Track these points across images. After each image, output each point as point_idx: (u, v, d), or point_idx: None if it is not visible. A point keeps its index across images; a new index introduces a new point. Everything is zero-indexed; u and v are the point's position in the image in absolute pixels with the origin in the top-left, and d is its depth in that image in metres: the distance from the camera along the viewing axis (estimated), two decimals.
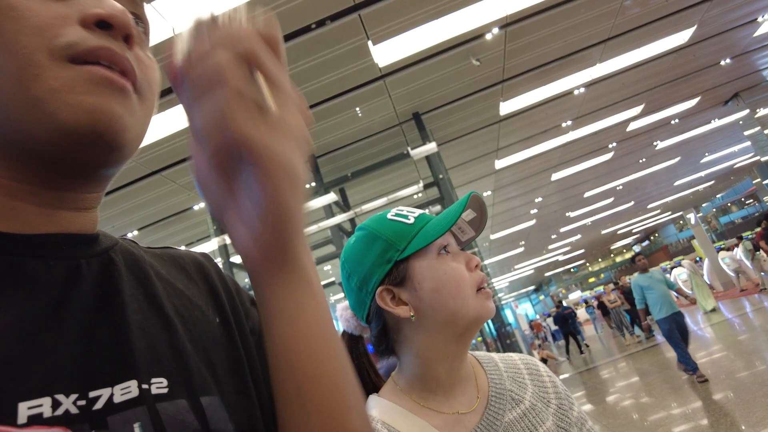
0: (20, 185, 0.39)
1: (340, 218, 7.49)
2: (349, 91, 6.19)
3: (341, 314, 0.89)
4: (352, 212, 7.60)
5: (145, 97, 0.44)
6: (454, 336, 0.78)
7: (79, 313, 0.38)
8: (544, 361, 12.43)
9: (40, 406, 0.31)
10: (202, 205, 7.90)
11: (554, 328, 19.63)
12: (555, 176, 12.40)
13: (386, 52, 5.67)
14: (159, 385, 0.39)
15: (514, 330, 10.85)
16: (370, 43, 5.41)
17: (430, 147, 6.95)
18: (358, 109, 6.68)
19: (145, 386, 0.38)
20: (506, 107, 7.94)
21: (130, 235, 8.19)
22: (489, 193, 12.09)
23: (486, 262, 19.53)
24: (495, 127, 8.59)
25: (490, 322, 8.12)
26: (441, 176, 7.48)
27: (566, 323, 13.94)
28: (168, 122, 5.71)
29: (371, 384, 0.86)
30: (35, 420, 0.31)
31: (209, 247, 8.80)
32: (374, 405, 0.79)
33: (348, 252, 0.83)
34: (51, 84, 0.37)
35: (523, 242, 20.05)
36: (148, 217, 7.86)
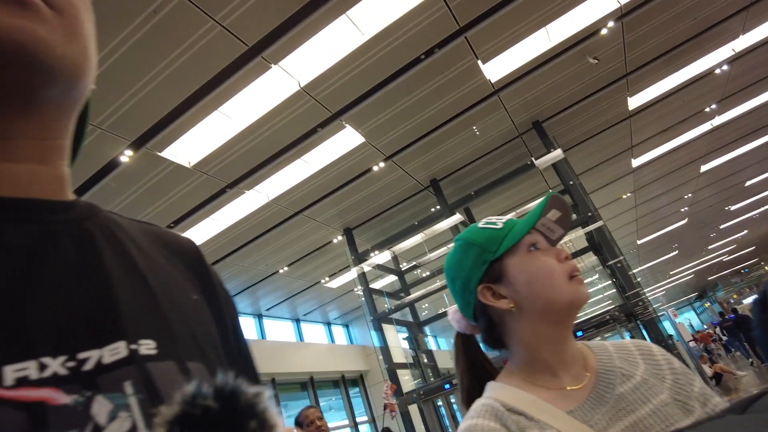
0: None
1: None
2: (464, 111, 6.30)
3: (452, 317, 1.01)
4: None
5: (66, 13, 0.40)
6: (553, 321, 0.86)
7: (61, 277, 0.37)
8: (719, 375, 10.92)
9: (26, 369, 0.31)
10: (340, 237, 8.49)
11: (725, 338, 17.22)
12: (705, 167, 11.08)
13: (497, 68, 5.70)
14: (147, 347, 0.38)
15: (676, 342, 9.70)
16: (479, 62, 5.50)
17: (556, 154, 6.73)
18: (475, 127, 6.75)
19: (133, 346, 0.37)
20: (635, 101, 7.41)
21: (281, 271, 9.06)
22: (629, 194, 11.20)
23: (635, 270, 17.86)
24: (625, 124, 8.04)
25: (645, 334, 7.44)
26: (571, 182, 7.18)
27: (747, 327, 12.28)
28: (302, 169, 6.33)
29: (488, 374, 0.96)
30: (23, 382, 0.31)
31: (350, 275, 9.36)
32: (489, 388, 0.89)
33: (449, 260, 0.96)
34: None
35: (676, 245, 18.01)
36: (296, 253, 8.64)
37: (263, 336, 10.93)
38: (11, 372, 0.31)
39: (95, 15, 0.45)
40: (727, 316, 16.71)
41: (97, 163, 5.08)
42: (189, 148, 5.35)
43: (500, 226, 0.91)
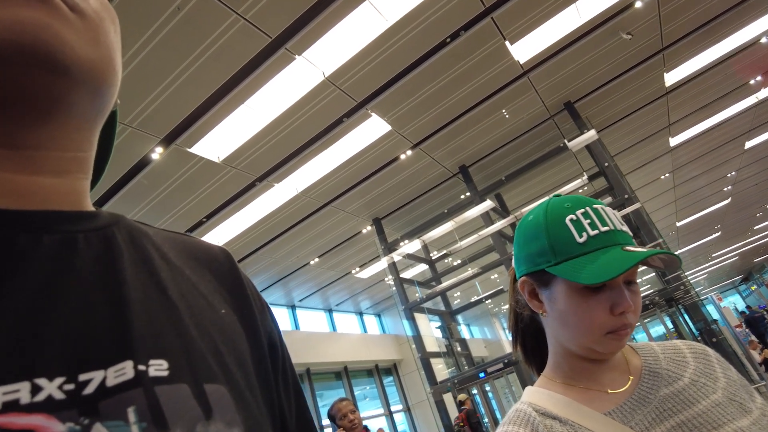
0: None
1: (500, 224, 7.39)
2: (492, 94, 6.15)
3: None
4: (512, 217, 7.44)
5: (88, 17, 0.38)
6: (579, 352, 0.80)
7: (71, 290, 0.34)
8: None
9: (17, 391, 0.28)
10: (369, 228, 8.48)
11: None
12: (750, 144, 10.56)
13: (526, 48, 5.53)
14: (158, 367, 0.35)
15: (722, 327, 9.35)
16: (507, 43, 5.34)
17: (590, 135, 6.52)
18: (504, 111, 6.59)
19: (141, 367, 0.34)
20: (672, 77, 7.09)
21: (312, 263, 9.13)
22: (667, 175, 10.79)
23: (675, 253, 17.27)
24: (662, 101, 7.71)
25: (689, 321, 7.17)
26: (606, 164, 6.95)
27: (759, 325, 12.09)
28: (330, 160, 6.31)
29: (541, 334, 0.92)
30: (11, 407, 0.28)
31: (380, 265, 9.35)
32: (526, 392, 0.84)
33: (520, 228, 0.84)
34: None
35: (718, 226, 17.31)
36: (326, 244, 8.68)
37: (297, 326, 11.08)
38: None
39: (121, 15, 0.41)
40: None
41: (129, 161, 5.19)
42: (218, 143, 5.40)
43: (583, 239, 0.74)
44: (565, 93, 6.74)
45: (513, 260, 0.89)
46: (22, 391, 0.28)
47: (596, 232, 0.74)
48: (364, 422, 8.11)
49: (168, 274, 0.42)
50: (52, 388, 0.30)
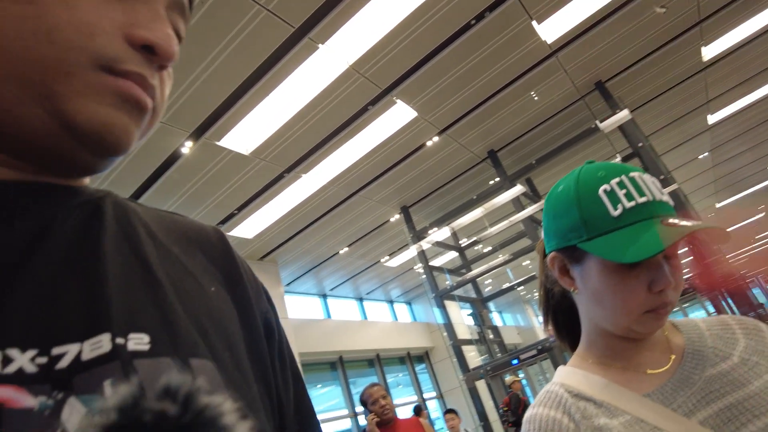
0: None
1: (531, 209, 7.25)
2: (520, 76, 6.01)
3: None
4: (543, 201, 7.30)
5: (156, 114, 0.43)
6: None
7: (47, 262, 0.34)
8: None
9: None
10: (397, 216, 8.47)
11: None
12: None
13: (553, 27, 5.37)
14: (138, 341, 0.34)
15: None
16: (534, 22, 5.19)
17: (622, 115, 6.31)
18: (533, 92, 6.44)
19: (120, 340, 0.33)
20: (710, 50, 6.77)
21: (342, 252, 9.19)
22: (706, 154, 10.37)
23: None
24: (700, 77, 7.38)
25: (733, 304, 6.92)
26: (640, 144, 6.71)
27: None
28: (356, 149, 6.31)
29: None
30: None
31: (409, 254, 9.33)
32: (558, 373, 0.80)
33: (549, 199, 0.79)
34: (79, 87, 0.35)
35: (762, 206, 16.60)
36: (355, 233, 8.71)
37: (329, 315, 11.20)
38: None
39: None
40: None
41: (160, 156, 5.30)
42: (246, 136, 5.46)
43: (618, 212, 0.68)
44: (596, 72, 6.53)
45: (542, 233, 0.85)
46: None
47: (633, 203, 0.68)
48: (417, 402, 8.15)
49: (153, 251, 0.42)
50: (24, 360, 0.29)
